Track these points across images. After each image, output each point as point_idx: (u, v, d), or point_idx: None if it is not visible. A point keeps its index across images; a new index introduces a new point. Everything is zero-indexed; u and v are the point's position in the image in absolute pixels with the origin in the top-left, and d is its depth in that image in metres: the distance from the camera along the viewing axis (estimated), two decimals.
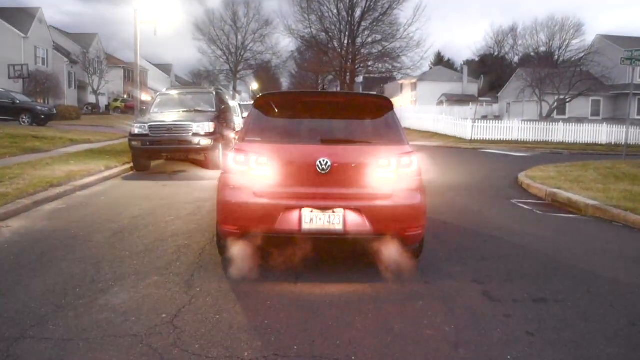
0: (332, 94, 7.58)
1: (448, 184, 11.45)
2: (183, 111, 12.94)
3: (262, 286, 4.46)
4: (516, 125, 28.93)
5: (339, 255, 5.44)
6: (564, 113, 38.27)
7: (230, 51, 64.09)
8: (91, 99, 51.76)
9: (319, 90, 52.18)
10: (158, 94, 14.91)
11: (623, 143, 18.46)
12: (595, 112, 40.55)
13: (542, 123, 29.61)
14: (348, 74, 45.82)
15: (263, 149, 4.75)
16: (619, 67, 28.64)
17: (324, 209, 4.56)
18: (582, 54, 41.81)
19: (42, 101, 35.70)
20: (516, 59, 62.59)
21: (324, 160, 4.59)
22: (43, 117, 25.43)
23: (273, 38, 62.05)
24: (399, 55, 43.69)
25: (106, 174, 10.85)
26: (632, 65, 16.42)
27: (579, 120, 32.60)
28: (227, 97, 17.41)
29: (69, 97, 45.65)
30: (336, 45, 45.93)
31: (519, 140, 28.11)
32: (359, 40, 44.61)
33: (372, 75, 56.00)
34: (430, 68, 67.31)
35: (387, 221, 4.64)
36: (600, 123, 30.35)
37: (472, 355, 3.33)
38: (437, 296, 4.33)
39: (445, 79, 58.75)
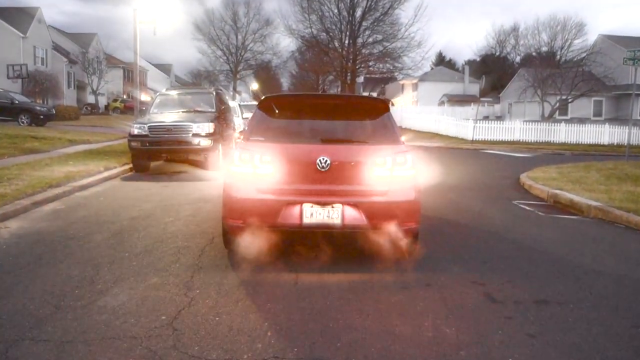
0: (331, 96, 7.84)
1: (449, 185, 11.43)
2: (183, 111, 12.90)
3: (262, 287, 4.44)
4: (518, 126, 28.92)
5: (338, 255, 5.43)
6: (566, 113, 38.11)
7: (230, 51, 64.01)
8: (90, 99, 51.67)
9: (319, 91, 52.71)
10: (157, 94, 14.88)
11: (625, 144, 18.42)
12: (598, 113, 40.34)
13: (544, 124, 29.57)
14: (349, 74, 45.76)
15: (266, 148, 5.05)
16: (621, 67, 28.53)
17: (323, 204, 4.85)
18: (584, 54, 41.46)
19: (41, 101, 35.63)
20: (518, 59, 62.34)
21: (323, 159, 4.88)
22: (42, 117, 25.39)
23: (273, 38, 61.96)
24: (400, 55, 43.63)
25: (105, 174, 10.82)
26: (634, 66, 16.37)
27: (581, 120, 32.53)
28: (227, 97, 17.39)
29: (68, 97, 45.59)
30: (337, 45, 45.86)
31: (521, 140, 28.11)
32: (359, 40, 44.55)
33: (373, 76, 55.96)
34: (432, 68, 67.22)
35: (383, 216, 4.90)
36: (602, 124, 30.32)
37: (473, 358, 3.30)
38: (438, 297, 4.31)
39: (446, 79, 58.63)
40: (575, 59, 43.17)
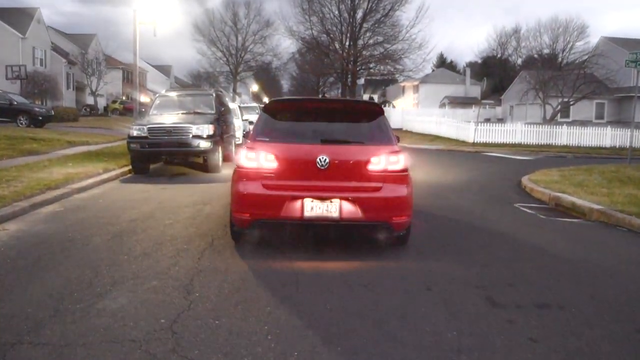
0: (330, 100, 8.34)
1: (451, 187, 11.43)
2: (182, 113, 12.86)
3: (262, 290, 4.41)
4: (519, 128, 28.80)
5: (337, 255, 5.48)
6: (567, 116, 37.77)
7: (231, 52, 63.99)
8: (89, 100, 51.60)
9: (319, 93, 53.16)
10: (157, 95, 14.86)
11: (628, 146, 18.33)
12: (600, 115, 40.06)
13: (546, 126, 29.43)
14: (349, 76, 45.69)
15: (271, 147, 5.48)
16: (623, 69, 28.38)
17: (322, 199, 5.29)
18: (586, 56, 40.95)
19: (39, 102, 35.49)
20: (519, 61, 62.18)
21: (323, 158, 5.32)
22: (41, 118, 25.29)
23: (274, 39, 61.87)
24: (401, 57, 43.50)
25: (104, 176, 10.79)
26: (636, 68, 16.32)
27: (583, 123, 32.30)
28: (227, 99, 17.36)
29: (67, 99, 45.56)
30: (337, 47, 45.79)
31: (522, 143, 27.98)
32: (360, 41, 44.48)
33: (374, 78, 55.81)
34: (433, 70, 67.05)
35: (377, 210, 5.39)
36: (604, 126, 30.18)
37: None
38: (439, 301, 4.28)
39: (447, 81, 58.52)
40: (577, 61, 42.73)
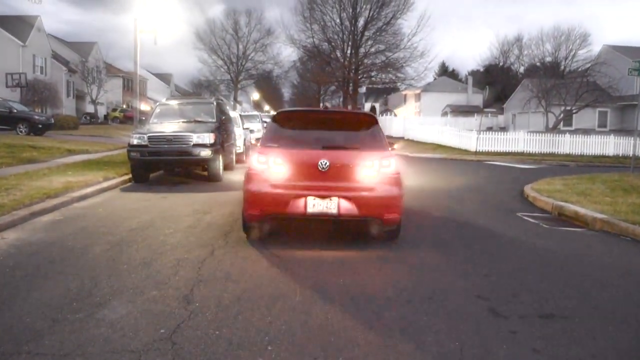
0: (331, 112, 9.21)
1: (453, 197, 11.41)
2: (183, 122, 12.84)
3: (263, 300, 4.38)
4: (522, 137, 28.73)
5: (338, 266, 5.43)
6: (570, 124, 37.55)
7: (231, 61, 64.17)
8: (90, 108, 51.68)
9: (320, 104, 54.19)
10: (157, 104, 14.84)
11: (631, 155, 18.27)
12: (603, 124, 39.83)
13: (549, 135, 29.34)
14: (351, 84, 45.77)
15: (278, 152, 6.24)
16: (626, 77, 28.36)
17: (323, 197, 6.00)
18: (589, 65, 40.82)
19: (39, 110, 35.52)
20: (522, 69, 62.09)
21: (324, 161, 6.07)
22: (40, 126, 25.31)
23: (275, 48, 62.09)
24: (402, 65, 43.60)
25: (104, 185, 10.76)
26: (639, 76, 16.32)
27: (586, 131, 32.16)
28: (227, 107, 17.36)
29: (67, 107, 45.63)
30: (339, 55, 45.90)
31: (525, 152, 27.93)
32: (362, 50, 44.58)
33: (375, 86, 55.88)
34: (435, 78, 67.13)
35: (371, 207, 6.09)
36: (607, 135, 30.11)
37: None
38: (442, 312, 4.24)
39: (449, 90, 58.48)
40: (579, 70, 42.56)
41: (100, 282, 4.77)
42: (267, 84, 71.69)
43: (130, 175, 12.05)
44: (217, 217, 7.97)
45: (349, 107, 45.96)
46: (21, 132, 24.56)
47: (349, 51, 45.21)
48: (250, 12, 64.43)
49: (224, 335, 3.67)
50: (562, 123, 36.29)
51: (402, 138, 37.41)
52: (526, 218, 8.93)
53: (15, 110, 25.56)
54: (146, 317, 3.97)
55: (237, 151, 16.46)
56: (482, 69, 69.50)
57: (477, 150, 27.46)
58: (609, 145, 28.66)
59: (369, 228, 6.47)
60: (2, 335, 3.62)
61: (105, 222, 7.52)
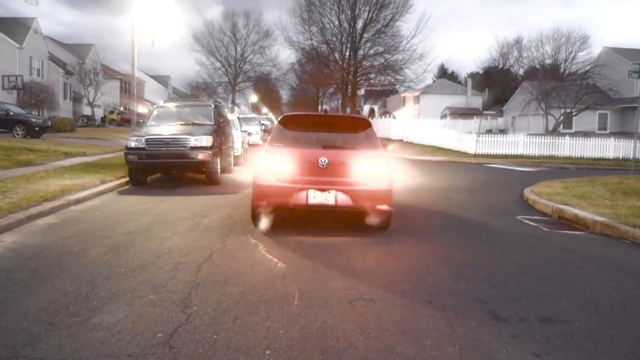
0: (330, 116, 9.95)
1: (452, 200, 11.39)
2: (181, 124, 12.78)
3: (261, 304, 4.35)
4: (521, 140, 28.73)
5: (335, 271, 5.38)
6: (570, 127, 37.58)
7: (229, 63, 64.14)
8: (87, 111, 51.51)
9: (319, 106, 56.00)
10: (155, 106, 14.79)
11: (631, 158, 18.26)
12: (603, 126, 39.85)
13: (548, 137, 29.29)
14: (349, 86, 45.77)
15: (284, 151, 7.14)
16: (626, 80, 28.39)
17: (322, 190, 6.86)
18: (589, 67, 40.90)
19: (36, 113, 35.34)
20: (521, 71, 62.10)
21: (323, 159, 6.95)
22: (37, 129, 25.25)
23: (273, 50, 62.11)
24: (401, 67, 43.65)
25: (101, 188, 10.72)
26: (639, 79, 16.32)
27: (586, 134, 32.19)
28: (225, 110, 17.32)
29: (64, 109, 45.52)
30: (337, 57, 45.90)
31: (525, 154, 27.93)
32: (360, 52, 44.59)
33: (374, 88, 55.91)
34: (434, 81, 67.14)
35: (364, 199, 6.93)
36: (607, 137, 30.15)
37: None
38: (441, 315, 4.22)
39: (448, 92, 58.47)
40: (579, 72, 42.50)
41: (98, 285, 4.74)
42: (265, 86, 71.64)
43: (127, 178, 11.98)
44: (215, 220, 7.95)
45: (348, 110, 46.02)
46: (18, 134, 24.49)
47: (347, 53, 45.23)
48: (248, 14, 64.44)
49: (222, 339, 3.64)
50: (562, 125, 36.24)
51: (400, 140, 37.35)
52: (526, 221, 8.92)
53: (11, 113, 25.48)
54: (144, 320, 3.94)
55: (235, 154, 16.42)
56: (481, 71, 69.48)
57: (477, 153, 27.43)
58: (609, 147, 28.67)
59: (361, 218, 7.15)
60: None
61: (103, 225, 7.48)
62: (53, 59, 47.00)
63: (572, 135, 30.63)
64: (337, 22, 44.38)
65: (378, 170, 7.04)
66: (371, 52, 44.69)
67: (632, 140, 19.10)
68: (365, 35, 44.01)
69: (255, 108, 74.57)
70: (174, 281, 4.91)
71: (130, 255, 5.78)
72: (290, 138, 7.47)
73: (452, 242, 7.15)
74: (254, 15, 65.50)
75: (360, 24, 43.85)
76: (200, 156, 11.67)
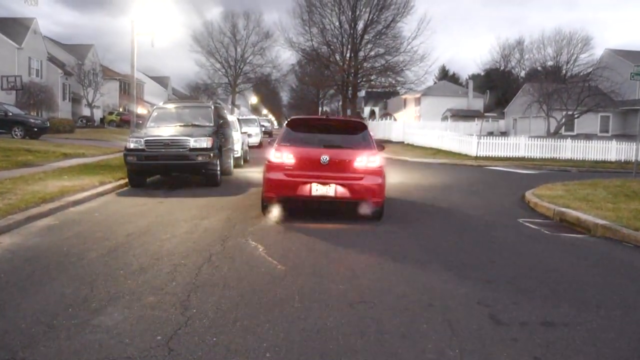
0: (331, 119, 10.65)
1: (453, 202, 11.37)
2: (180, 126, 12.74)
3: (261, 307, 4.33)
4: (523, 142, 28.60)
5: (334, 274, 5.38)
6: (572, 129, 37.33)
7: (229, 64, 64.08)
8: (86, 111, 51.43)
9: (319, 108, 56.14)
10: (155, 107, 14.74)
11: (633, 160, 18.19)
12: (604, 129, 39.54)
13: (550, 139, 29.14)
14: (350, 88, 45.72)
15: (290, 150, 8.22)
16: (628, 82, 28.22)
17: (324, 184, 7.90)
18: (591, 69, 40.65)
19: (35, 114, 35.27)
20: (523, 73, 61.96)
21: (325, 157, 7.99)
22: (36, 130, 25.20)
23: (273, 51, 62.00)
24: (402, 69, 43.58)
25: (100, 189, 10.68)
26: None
27: (588, 136, 32.00)
28: (225, 111, 17.28)
29: (63, 110, 45.41)
30: (338, 58, 45.84)
31: (526, 157, 27.80)
32: (361, 53, 44.54)
33: (374, 90, 55.89)
34: (435, 82, 66.96)
35: (360, 192, 8.01)
36: (609, 140, 30.05)
37: None
38: (442, 319, 4.20)
39: (450, 94, 58.26)
40: (581, 74, 42.25)
41: (97, 287, 4.72)
42: (266, 87, 71.62)
43: (126, 180, 11.95)
44: (214, 222, 7.93)
45: (348, 112, 45.99)
46: (16, 135, 24.46)
47: (348, 55, 45.18)
48: (248, 15, 64.43)
49: (221, 342, 3.62)
50: (563, 128, 36.07)
51: (401, 142, 37.31)
52: (527, 224, 8.91)
53: (10, 114, 25.44)
54: (143, 323, 3.92)
55: (235, 155, 16.39)
56: (482, 73, 69.38)
57: (478, 155, 27.33)
58: (611, 150, 28.56)
59: (358, 209, 8.08)
60: None
61: (102, 226, 7.46)
62: (52, 59, 46.92)
63: (573, 137, 30.49)
64: (337, 23, 44.38)
65: (373, 167, 8.07)
66: (372, 53, 44.65)
67: (634, 143, 19.03)
68: (366, 36, 43.97)
69: (255, 109, 74.55)
70: (173, 283, 4.89)
71: (130, 257, 5.76)
72: (296, 138, 8.56)
73: (452, 244, 7.14)
74: (254, 16, 65.58)
75: (361, 25, 43.84)
76: (200, 158, 11.62)
